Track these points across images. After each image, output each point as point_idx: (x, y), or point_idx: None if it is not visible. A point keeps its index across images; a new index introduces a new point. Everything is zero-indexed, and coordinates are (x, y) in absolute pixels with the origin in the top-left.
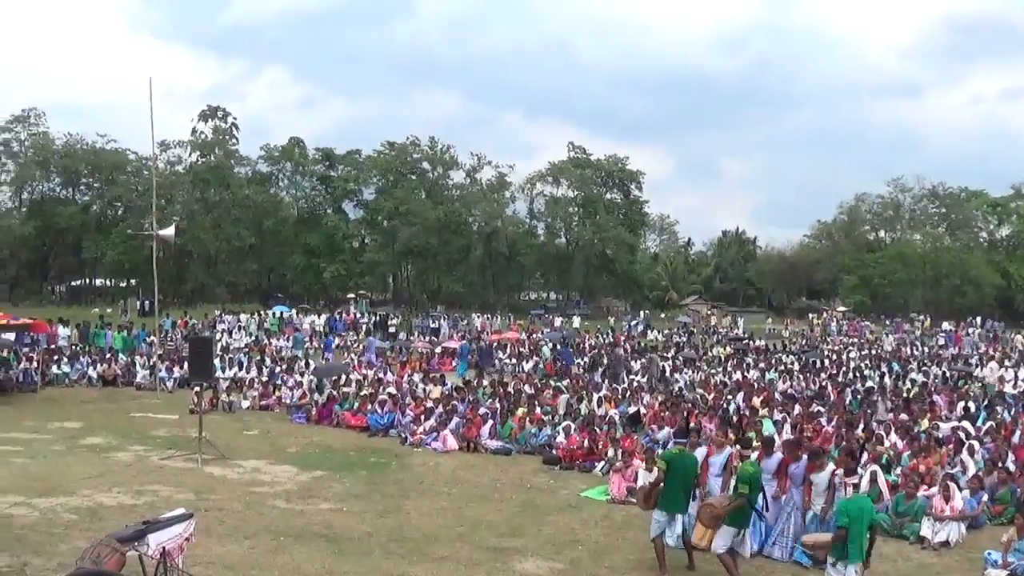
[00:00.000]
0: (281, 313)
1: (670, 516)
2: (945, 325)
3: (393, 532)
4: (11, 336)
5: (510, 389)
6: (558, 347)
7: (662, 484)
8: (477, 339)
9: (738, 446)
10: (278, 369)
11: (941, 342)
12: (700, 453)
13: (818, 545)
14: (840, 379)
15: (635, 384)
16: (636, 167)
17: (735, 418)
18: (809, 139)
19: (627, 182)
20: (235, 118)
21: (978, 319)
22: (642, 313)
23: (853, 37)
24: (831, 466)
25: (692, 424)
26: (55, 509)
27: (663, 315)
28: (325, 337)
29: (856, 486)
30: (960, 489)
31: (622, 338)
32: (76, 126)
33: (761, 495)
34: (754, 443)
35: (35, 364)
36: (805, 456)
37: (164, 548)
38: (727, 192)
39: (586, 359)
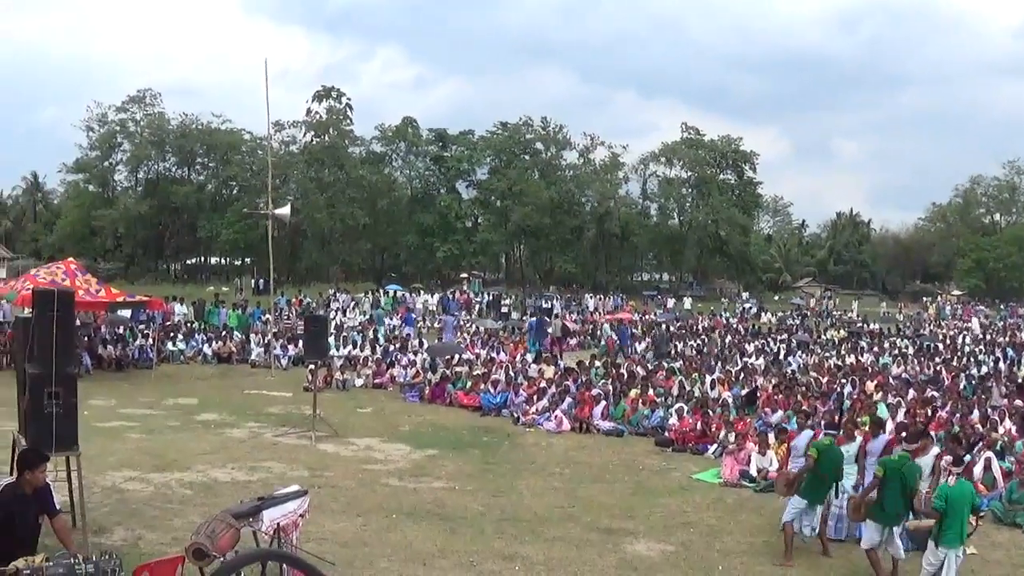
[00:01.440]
0: (394, 292)
1: (809, 505)
2: None
3: (505, 511)
4: (127, 313)
5: (623, 370)
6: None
7: (807, 473)
8: (589, 320)
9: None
10: (392, 348)
11: None
12: (854, 446)
13: (920, 530)
14: (954, 364)
15: (749, 366)
16: (750, 147)
17: (849, 403)
18: (923, 120)
19: (741, 163)
20: (349, 98)
21: None
22: (744, 295)
23: (967, 16)
24: (935, 450)
25: (808, 409)
26: (170, 484)
27: (776, 297)
28: (442, 315)
29: (959, 475)
30: None
31: (723, 321)
32: (191, 107)
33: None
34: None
35: (151, 341)
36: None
37: (278, 524)
38: (841, 173)
39: (698, 341)
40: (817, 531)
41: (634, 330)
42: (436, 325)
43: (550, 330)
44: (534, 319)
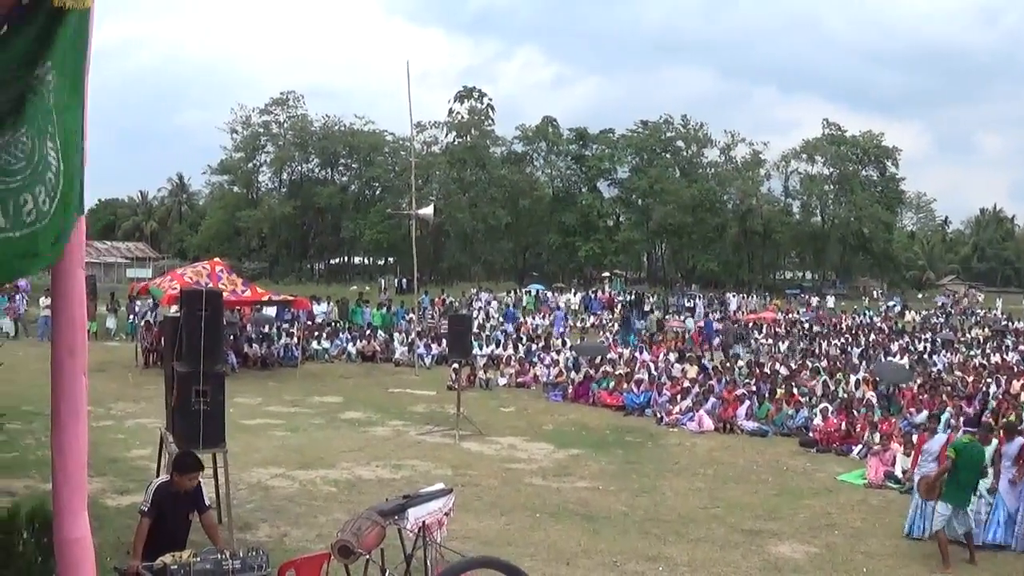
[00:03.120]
0: (537, 291)
1: (955, 509)
2: None
3: (648, 512)
4: (272, 312)
5: (767, 370)
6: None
7: (947, 475)
8: (730, 319)
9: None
10: (535, 347)
11: None
12: (991, 449)
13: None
14: None
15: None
16: (891, 143)
17: (995, 403)
18: None
19: (883, 159)
20: (490, 99)
21: None
22: (879, 292)
23: None
24: None
25: (953, 409)
26: (315, 481)
27: (920, 295)
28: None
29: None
30: None
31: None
32: (333, 109)
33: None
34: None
35: (296, 340)
36: None
37: (423, 523)
38: (984, 169)
39: (843, 339)
40: (970, 528)
41: (778, 329)
42: (578, 325)
43: (641, 325)
44: (632, 312)
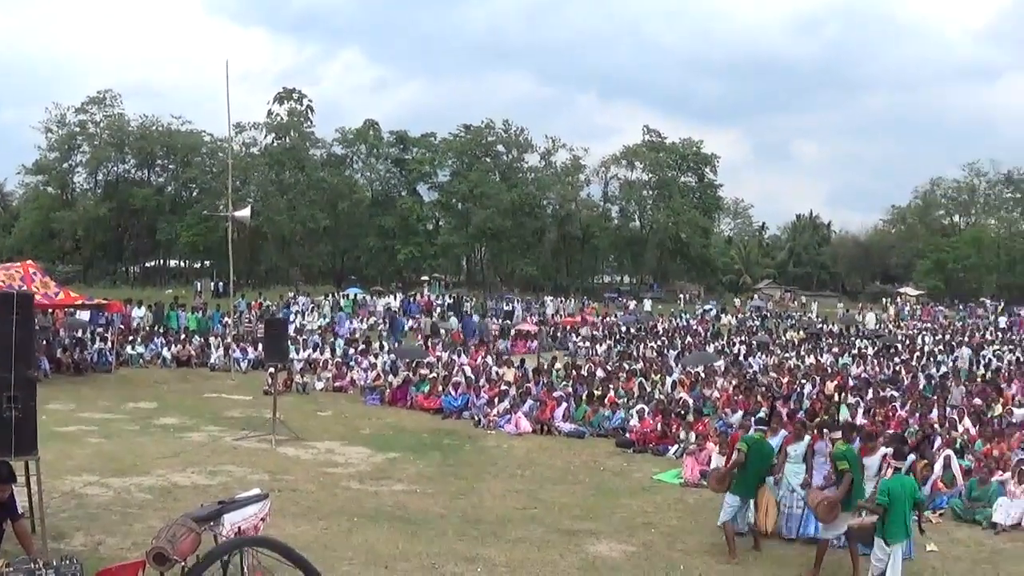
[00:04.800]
0: (355, 295)
1: (743, 501)
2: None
3: (467, 514)
4: (86, 316)
5: (584, 372)
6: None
7: (737, 468)
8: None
9: (826, 431)
10: (352, 351)
11: (1002, 325)
12: (778, 439)
13: (864, 527)
14: (913, 364)
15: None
16: (711, 150)
17: (809, 403)
18: (883, 123)
19: (702, 165)
20: (310, 100)
21: None
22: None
23: (928, 19)
24: (883, 450)
25: (767, 409)
26: (129, 489)
27: (737, 299)
28: (396, 318)
29: (897, 469)
30: None
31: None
32: (152, 108)
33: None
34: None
35: (110, 344)
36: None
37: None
38: (801, 176)
39: (659, 342)
40: (750, 522)
41: (595, 332)
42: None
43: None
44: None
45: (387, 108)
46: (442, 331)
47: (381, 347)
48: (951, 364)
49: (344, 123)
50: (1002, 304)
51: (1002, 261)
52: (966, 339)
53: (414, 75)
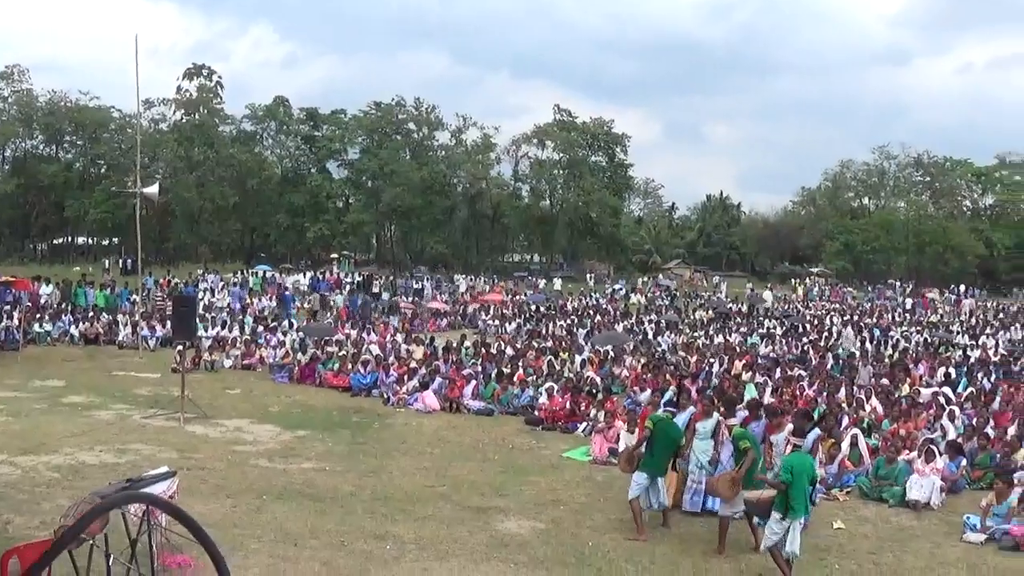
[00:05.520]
0: (264, 273)
1: (651, 479)
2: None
3: (375, 491)
4: None
5: (493, 350)
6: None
7: (644, 447)
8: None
9: (722, 409)
10: (261, 328)
11: (908, 305)
12: (684, 417)
13: (761, 501)
14: (821, 344)
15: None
16: (622, 130)
17: (717, 382)
18: (796, 106)
19: (612, 145)
20: (220, 76)
21: (961, 287)
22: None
23: (841, 4)
24: (791, 427)
25: (676, 388)
26: (37, 467)
27: (646, 278)
28: (284, 295)
29: (797, 446)
30: (940, 454)
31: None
32: (60, 83)
33: (712, 454)
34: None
35: (17, 322)
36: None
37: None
38: (713, 157)
39: (569, 320)
40: (663, 504)
41: (504, 310)
42: (306, 306)
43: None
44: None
45: (298, 85)
46: (332, 306)
47: (290, 325)
48: (858, 345)
49: (254, 100)
50: (911, 286)
51: (911, 243)
52: (874, 320)
53: (325, 51)
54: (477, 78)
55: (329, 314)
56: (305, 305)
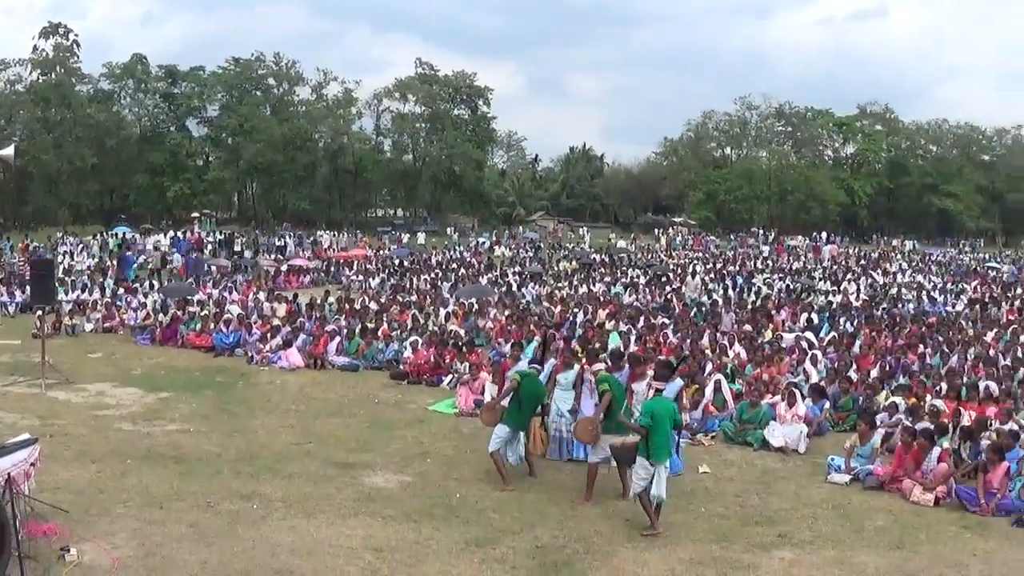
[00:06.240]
0: (123, 234)
1: (514, 432)
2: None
3: (241, 451)
4: None
5: (357, 306)
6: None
7: (507, 400)
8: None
9: (584, 358)
10: (121, 291)
11: (765, 253)
12: (547, 369)
13: (625, 446)
14: (684, 292)
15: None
16: (484, 83)
17: (581, 332)
18: (659, 58)
19: (475, 98)
20: (77, 35)
21: (823, 234)
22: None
23: None
24: (651, 374)
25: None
26: None
27: (510, 231)
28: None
29: (659, 391)
30: (803, 397)
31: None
32: None
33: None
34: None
35: None
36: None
37: (8, 475)
38: (577, 109)
39: (433, 274)
40: (523, 457)
41: (368, 265)
42: (170, 267)
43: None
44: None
45: (157, 42)
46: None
47: (151, 286)
48: (721, 292)
49: (112, 59)
50: (773, 234)
51: (773, 192)
52: (737, 268)
53: (185, 8)
54: (337, 32)
55: (163, 268)
56: (148, 264)
